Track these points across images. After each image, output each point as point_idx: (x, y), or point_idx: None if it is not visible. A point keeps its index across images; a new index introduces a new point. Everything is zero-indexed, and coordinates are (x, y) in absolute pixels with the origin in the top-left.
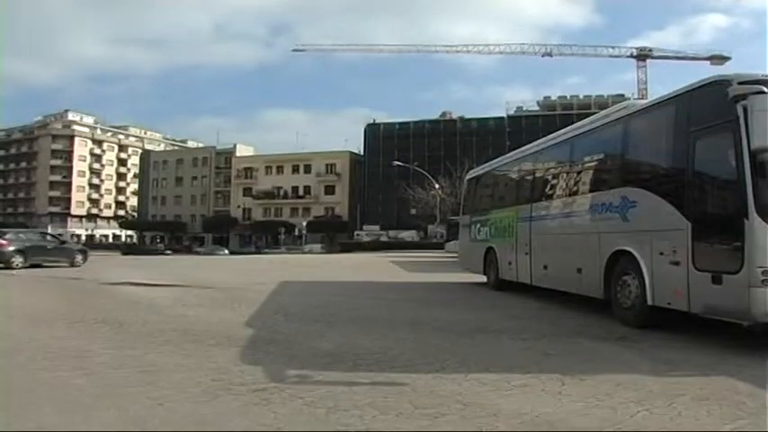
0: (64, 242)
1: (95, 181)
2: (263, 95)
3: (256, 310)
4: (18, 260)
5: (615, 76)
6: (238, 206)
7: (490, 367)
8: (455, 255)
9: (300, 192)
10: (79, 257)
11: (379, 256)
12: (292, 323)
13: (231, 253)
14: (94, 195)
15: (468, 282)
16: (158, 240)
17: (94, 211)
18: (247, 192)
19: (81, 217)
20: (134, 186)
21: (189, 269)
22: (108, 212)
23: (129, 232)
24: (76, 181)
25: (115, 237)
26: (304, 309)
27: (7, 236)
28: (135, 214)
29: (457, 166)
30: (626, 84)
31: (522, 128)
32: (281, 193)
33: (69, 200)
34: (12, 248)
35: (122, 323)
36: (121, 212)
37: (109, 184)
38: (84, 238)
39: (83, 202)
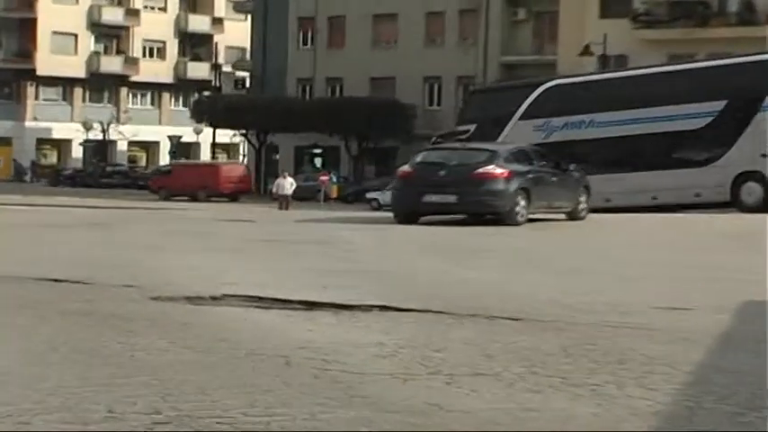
0: (566, 169)
1: None
2: None
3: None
4: (522, 206)
5: None
6: (585, 50)
7: None
8: None
9: None
10: (583, 199)
11: None
12: None
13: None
14: (109, 16)
15: None
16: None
17: (113, 66)
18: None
19: (63, 82)
20: None
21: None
22: (159, 72)
23: (227, 135)
24: None
25: (183, 149)
26: None
27: (501, 159)
28: (245, 77)
29: None
30: None
31: None
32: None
33: (31, 35)
34: (515, 185)
35: None
36: (198, 73)
37: None
38: (80, 153)
39: (75, 45)
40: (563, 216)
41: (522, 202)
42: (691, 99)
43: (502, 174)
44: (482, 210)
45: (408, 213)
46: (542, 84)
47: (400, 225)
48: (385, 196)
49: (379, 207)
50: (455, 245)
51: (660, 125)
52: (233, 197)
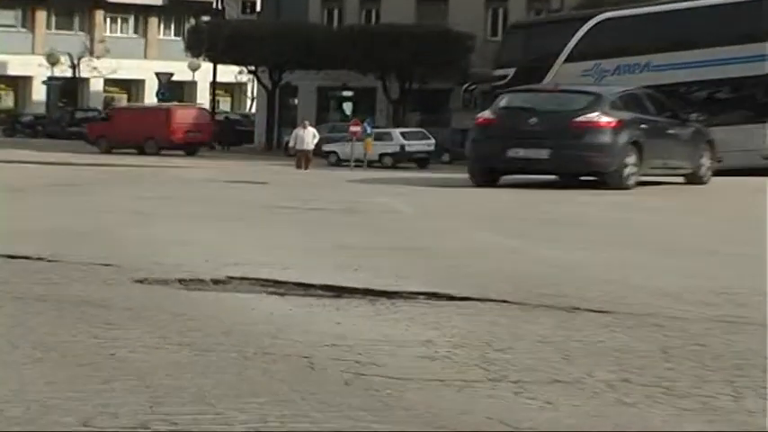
0: (685, 119)
1: None
2: None
3: None
4: (632, 164)
5: None
6: None
7: None
8: None
9: None
10: (706, 158)
11: None
12: None
13: None
14: None
15: None
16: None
17: None
18: None
19: (23, 4)
20: None
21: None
22: None
23: (232, 73)
24: None
25: (175, 89)
26: None
27: (607, 105)
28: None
29: None
30: None
31: None
32: None
33: None
34: (625, 138)
35: None
36: None
37: None
38: (43, 95)
39: None
40: (680, 179)
41: (633, 161)
42: (756, 38)
43: (609, 123)
44: (581, 169)
45: (488, 171)
46: (592, 17)
47: (465, 189)
48: (345, 148)
49: (338, 162)
50: (534, 214)
51: (721, 70)
52: (189, 150)
